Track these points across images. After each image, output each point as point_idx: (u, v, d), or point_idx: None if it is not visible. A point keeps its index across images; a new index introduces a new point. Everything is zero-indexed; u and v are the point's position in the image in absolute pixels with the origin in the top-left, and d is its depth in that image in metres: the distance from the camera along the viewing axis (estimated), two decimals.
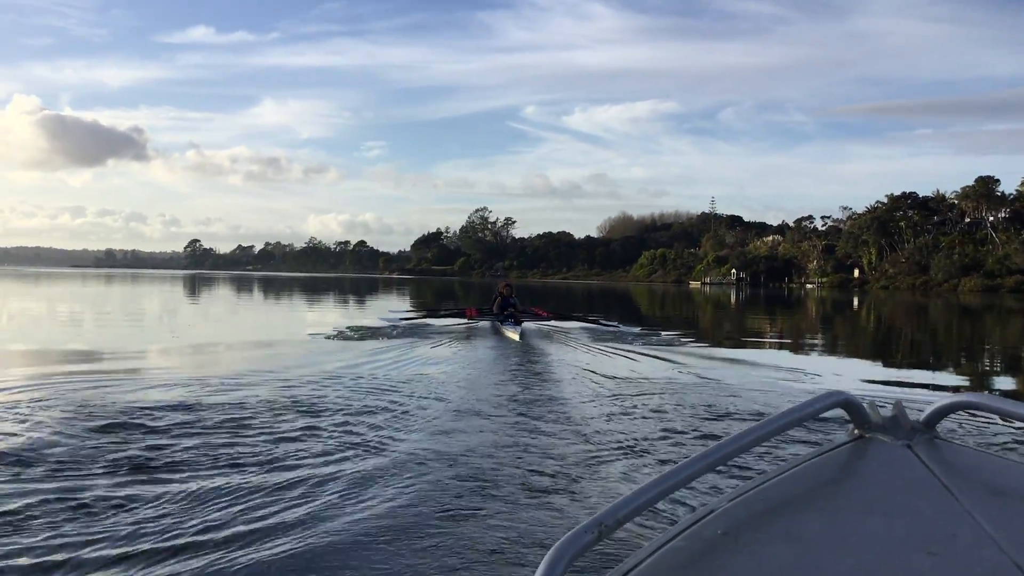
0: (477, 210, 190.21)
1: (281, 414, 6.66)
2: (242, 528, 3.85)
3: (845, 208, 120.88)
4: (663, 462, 5.24)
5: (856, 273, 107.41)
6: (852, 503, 1.14)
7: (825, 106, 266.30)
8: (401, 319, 17.39)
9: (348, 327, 16.50)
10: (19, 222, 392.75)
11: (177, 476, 4.72)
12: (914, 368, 13.64)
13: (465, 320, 17.41)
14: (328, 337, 14.81)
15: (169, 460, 5.10)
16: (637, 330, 17.30)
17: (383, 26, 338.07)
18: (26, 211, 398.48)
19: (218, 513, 4.06)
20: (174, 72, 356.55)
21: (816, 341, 19.90)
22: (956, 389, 10.52)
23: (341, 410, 6.91)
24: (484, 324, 16.99)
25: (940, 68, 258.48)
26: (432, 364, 10.90)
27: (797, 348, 16.88)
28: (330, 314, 26.29)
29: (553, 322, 17.92)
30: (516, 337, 14.46)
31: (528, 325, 16.28)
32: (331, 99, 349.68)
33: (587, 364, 11.22)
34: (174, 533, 3.76)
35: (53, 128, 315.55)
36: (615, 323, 17.60)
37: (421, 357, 11.72)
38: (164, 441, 5.59)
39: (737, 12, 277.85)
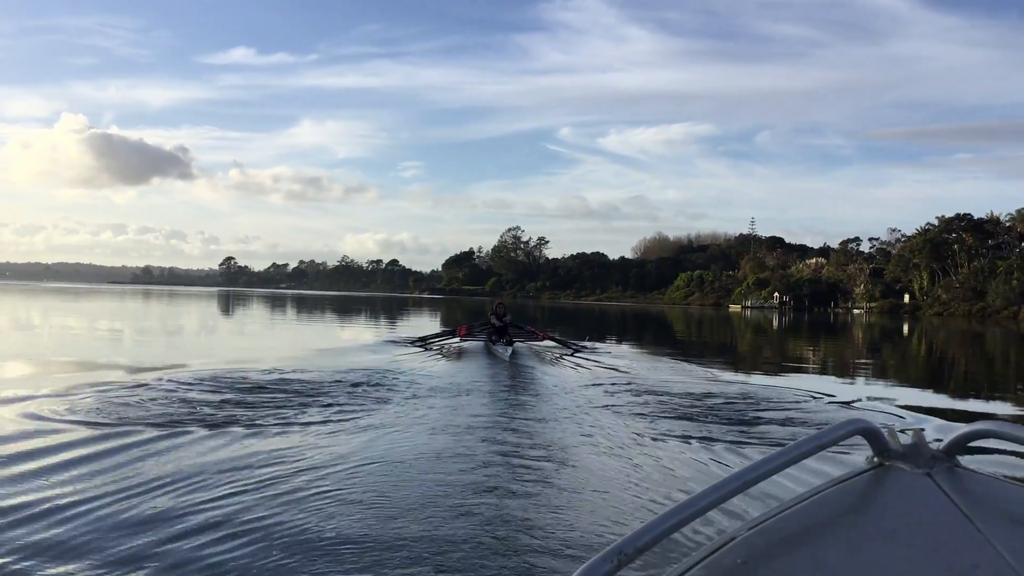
0: (510, 229, 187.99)
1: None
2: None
3: (894, 230, 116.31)
4: (683, 491, 5.30)
5: (906, 298, 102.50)
6: (873, 532, 1.13)
7: (863, 130, 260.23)
8: (410, 344, 17.79)
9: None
10: (61, 239, 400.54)
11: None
12: (966, 398, 13.32)
13: (457, 339, 17.85)
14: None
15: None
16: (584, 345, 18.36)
17: (420, 48, 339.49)
18: (68, 228, 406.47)
19: None
20: (215, 92, 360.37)
21: (862, 370, 18.95)
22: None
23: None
24: (476, 343, 17.26)
25: (980, 92, 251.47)
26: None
27: (842, 376, 16.58)
28: (343, 333, 24.94)
29: (546, 342, 18.38)
30: (506, 357, 14.70)
31: (519, 346, 16.63)
32: (368, 120, 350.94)
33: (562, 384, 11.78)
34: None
35: (100, 146, 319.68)
36: (584, 344, 18.83)
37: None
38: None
39: (773, 35, 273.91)
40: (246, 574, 3.79)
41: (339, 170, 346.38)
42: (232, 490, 5.16)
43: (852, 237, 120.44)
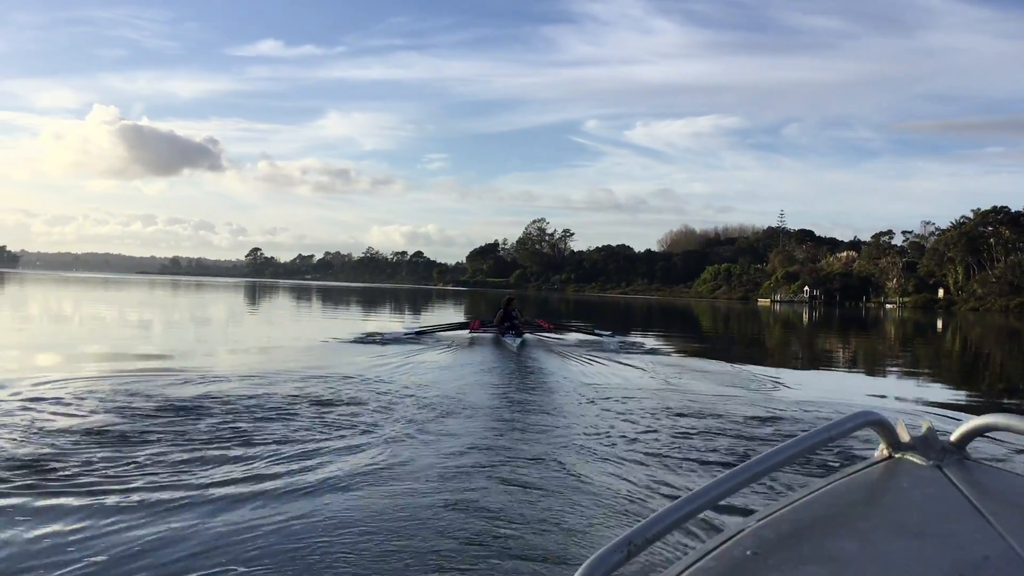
0: (535, 221, 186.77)
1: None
2: None
3: (927, 223, 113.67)
4: (692, 482, 5.20)
5: (941, 293, 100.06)
6: (883, 524, 1.14)
7: (892, 122, 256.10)
8: (414, 331, 18.13)
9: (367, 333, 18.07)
10: (92, 229, 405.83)
11: None
12: (1002, 396, 12.99)
13: (469, 332, 18.08)
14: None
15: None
16: (617, 339, 17.98)
17: (447, 40, 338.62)
18: (99, 218, 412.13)
19: None
20: (243, 84, 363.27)
21: (894, 366, 18.50)
22: None
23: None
24: (487, 335, 17.50)
25: (1012, 85, 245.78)
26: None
27: (882, 375, 16.16)
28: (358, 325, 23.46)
29: (555, 334, 18.69)
30: (515, 347, 15.05)
31: (529, 337, 16.99)
32: (394, 112, 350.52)
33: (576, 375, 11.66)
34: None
35: (132, 138, 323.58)
36: (608, 332, 18.77)
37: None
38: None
39: (802, 27, 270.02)
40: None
41: (365, 162, 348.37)
42: None
43: (885, 230, 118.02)
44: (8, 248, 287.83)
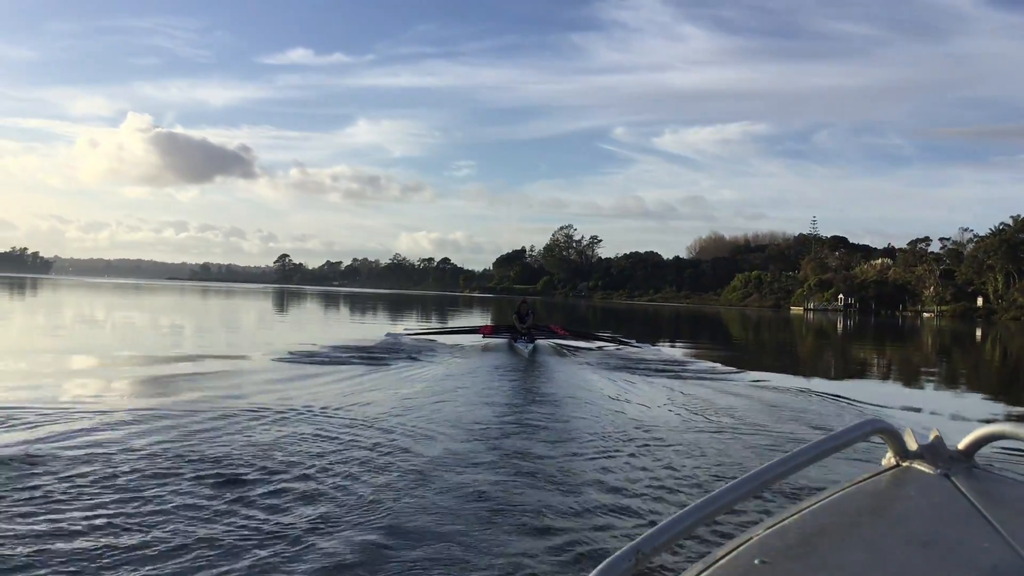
0: (562, 227, 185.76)
1: None
2: None
3: (965, 230, 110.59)
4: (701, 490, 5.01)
5: (980, 302, 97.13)
6: (891, 533, 1.14)
7: (924, 129, 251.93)
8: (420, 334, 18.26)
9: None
10: (124, 235, 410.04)
11: None
12: None
13: (481, 336, 18.09)
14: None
15: None
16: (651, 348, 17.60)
17: (476, 47, 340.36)
18: (131, 225, 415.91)
19: None
20: (274, 92, 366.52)
21: (932, 376, 17.86)
22: None
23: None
24: (499, 341, 17.26)
25: None
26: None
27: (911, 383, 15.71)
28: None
29: (569, 340, 18.31)
30: (526, 353, 14.77)
31: (542, 343, 16.82)
32: (422, 119, 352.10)
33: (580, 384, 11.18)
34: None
35: (166, 145, 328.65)
36: (633, 340, 18.37)
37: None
38: None
39: (833, 33, 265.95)
40: None
41: (394, 169, 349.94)
42: None
43: (921, 237, 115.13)
44: (41, 254, 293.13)
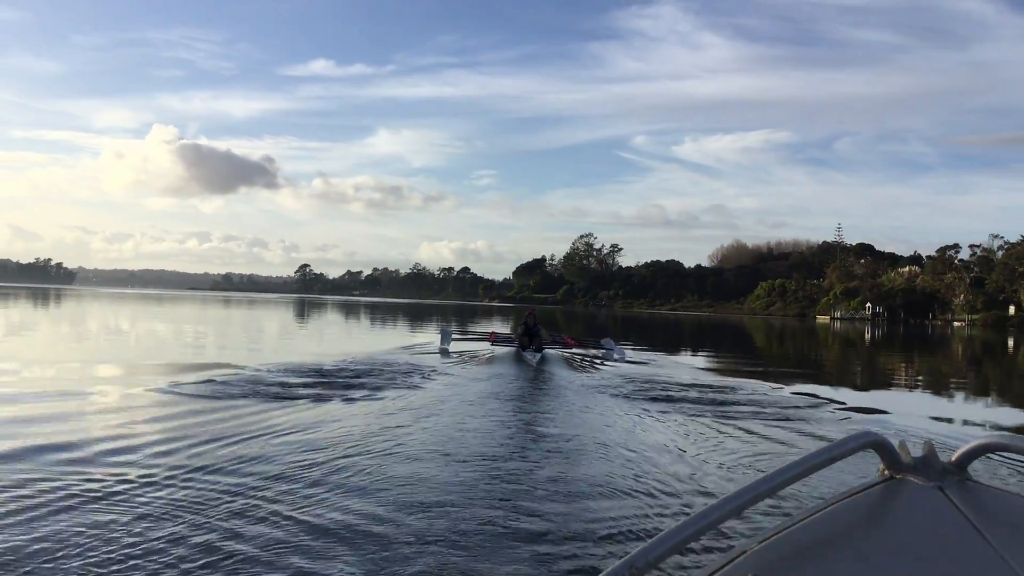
0: (582, 236, 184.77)
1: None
2: None
3: (995, 236, 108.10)
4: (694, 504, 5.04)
5: (1012, 310, 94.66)
6: (884, 545, 1.14)
7: (947, 136, 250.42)
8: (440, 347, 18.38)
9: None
10: (148, 246, 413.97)
11: None
12: None
13: (490, 344, 18.08)
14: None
15: None
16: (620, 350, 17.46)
17: (495, 57, 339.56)
18: (155, 235, 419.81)
19: None
20: (296, 103, 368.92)
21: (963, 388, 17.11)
22: None
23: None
24: (507, 350, 17.13)
25: None
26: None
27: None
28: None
29: (576, 350, 18.40)
30: (534, 362, 14.79)
31: (549, 352, 16.89)
32: (443, 129, 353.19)
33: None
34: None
35: (191, 156, 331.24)
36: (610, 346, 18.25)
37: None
38: None
39: (854, 41, 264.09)
40: None
41: (415, 179, 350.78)
42: None
43: (951, 244, 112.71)
44: (65, 265, 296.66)
